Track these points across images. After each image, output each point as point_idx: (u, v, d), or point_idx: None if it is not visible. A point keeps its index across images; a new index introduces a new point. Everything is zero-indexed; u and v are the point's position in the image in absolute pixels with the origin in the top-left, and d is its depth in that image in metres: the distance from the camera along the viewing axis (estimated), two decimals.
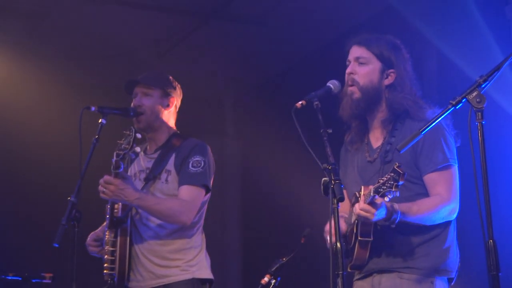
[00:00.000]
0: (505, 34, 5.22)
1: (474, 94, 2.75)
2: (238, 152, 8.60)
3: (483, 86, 2.75)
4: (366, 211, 3.12)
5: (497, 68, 2.76)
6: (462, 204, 3.40)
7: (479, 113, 2.73)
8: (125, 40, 6.96)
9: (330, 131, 3.16)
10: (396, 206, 3.18)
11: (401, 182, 3.00)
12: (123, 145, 3.87)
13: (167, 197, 4.11)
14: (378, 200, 3.09)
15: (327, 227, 3.38)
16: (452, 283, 3.39)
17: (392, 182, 3.00)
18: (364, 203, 3.13)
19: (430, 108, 3.43)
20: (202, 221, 4.23)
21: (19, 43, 6.83)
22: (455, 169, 3.36)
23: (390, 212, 3.16)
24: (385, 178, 3.03)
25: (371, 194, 3.09)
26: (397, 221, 3.19)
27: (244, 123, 8.42)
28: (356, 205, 3.17)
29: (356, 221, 3.26)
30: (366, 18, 6.26)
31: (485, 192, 2.68)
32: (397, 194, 3.03)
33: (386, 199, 3.05)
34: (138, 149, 3.91)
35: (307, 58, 7.29)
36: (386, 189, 3.02)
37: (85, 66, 7.17)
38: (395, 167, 3.01)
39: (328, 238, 3.19)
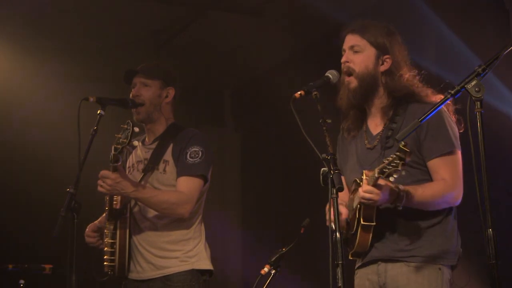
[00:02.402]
0: (504, 24, 5.22)
1: (473, 83, 2.74)
2: (237, 143, 8.60)
3: (481, 75, 2.75)
4: (370, 193, 3.12)
5: (496, 57, 2.76)
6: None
7: (478, 103, 2.73)
8: (124, 32, 6.96)
9: (329, 121, 3.16)
10: (401, 187, 3.18)
11: (407, 160, 2.97)
12: (121, 139, 3.87)
13: (164, 189, 4.12)
14: (382, 181, 3.09)
15: (327, 207, 3.38)
16: (455, 270, 3.38)
17: (398, 161, 2.97)
18: (368, 185, 3.12)
19: (427, 92, 3.42)
20: (201, 212, 4.23)
21: (17, 34, 6.81)
22: (459, 154, 3.35)
23: (396, 193, 3.16)
24: (390, 158, 3.01)
25: (375, 175, 3.07)
26: (403, 202, 3.18)
27: (243, 114, 8.42)
28: (360, 189, 3.16)
29: (359, 206, 3.25)
30: (363, 8, 6.25)
31: (484, 181, 2.68)
32: (403, 173, 3.01)
33: (392, 179, 3.03)
34: (136, 142, 3.92)
35: (305, 48, 7.28)
36: (391, 169, 3.00)
37: (84, 57, 7.16)
38: (401, 146, 2.97)
39: (327, 217, 3.20)
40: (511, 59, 2.91)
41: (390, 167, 3.00)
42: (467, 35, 5.32)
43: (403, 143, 2.98)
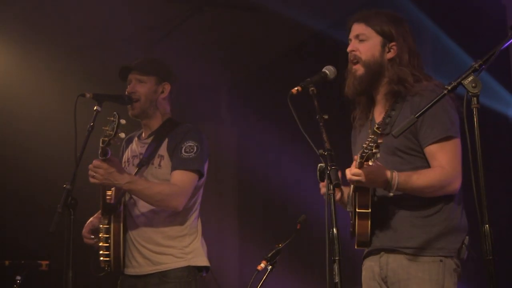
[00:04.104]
0: (500, 19, 5.22)
1: (470, 79, 2.75)
2: (233, 138, 8.60)
3: (478, 71, 2.76)
4: (357, 175, 3.12)
5: (492, 53, 2.76)
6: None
7: (475, 98, 2.73)
8: (120, 28, 6.94)
9: (326, 117, 3.15)
10: (395, 172, 3.17)
11: (379, 142, 2.96)
12: (107, 131, 3.84)
13: (158, 182, 4.11)
14: (365, 164, 3.07)
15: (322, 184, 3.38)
16: (463, 261, 3.33)
17: (373, 144, 2.97)
18: (355, 167, 3.13)
19: (429, 78, 3.42)
20: (197, 207, 4.23)
21: (13, 31, 6.80)
22: (457, 141, 3.31)
23: (387, 177, 3.16)
24: (367, 142, 3.01)
25: (358, 160, 3.08)
26: (394, 187, 3.18)
27: (240, 109, 8.42)
28: (347, 171, 3.16)
29: (353, 193, 3.26)
30: (361, 4, 6.24)
31: (480, 177, 2.68)
32: (378, 155, 3.00)
33: (371, 162, 3.03)
34: (123, 135, 3.87)
35: (302, 43, 7.28)
36: (368, 152, 2.99)
37: (80, 53, 7.15)
38: (374, 128, 2.98)
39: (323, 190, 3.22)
40: (508, 58, 2.91)
41: (367, 151, 3.00)
42: (463, 33, 5.32)
43: (376, 125, 2.99)
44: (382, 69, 3.44)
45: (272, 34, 7.10)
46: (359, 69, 3.44)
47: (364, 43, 3.45)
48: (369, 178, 3.13)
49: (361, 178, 3.12)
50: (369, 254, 3.43)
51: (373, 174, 3.14)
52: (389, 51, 3.44)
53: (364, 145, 3.02)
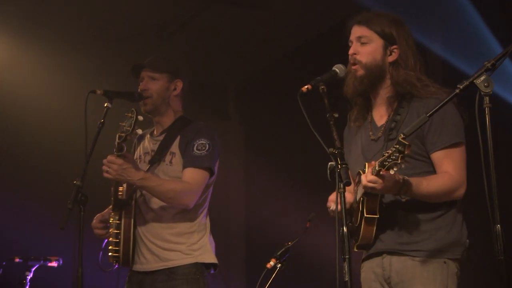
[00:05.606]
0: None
1: (482, 78, 2.74)
2: (241, 136, 8.60)
3: (490, 70, 2.75)
4: (374, 182, 3.09)
5: (505, 52, 2.76)
6: (469, 189, 3.38)
7: (487, 97, 2.73)
8: (129, 24, 6.95)
9: (336, 115, 3.14)
10: (407, 178, 3.16)
11: (406, 153, 2.94)
12: (125, 127, 3.86)
13: (171, 179, 4.11)
14: (384, 172, 3.04)
15: (331, 197, 3.39)
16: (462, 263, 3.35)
17: (398, 154, 2.95)
18: (372, 174, 3.09)
19: (434, 84, 3.40)
20: (206, 205, 4.24)
21: (22, 27, 6.81)
22: (463, 147, 3.32)
23: (400, 184, 3.14)
24: (390, 151, 2.98)
25: (376, 168, 3.05)
26: (407, 194, 3.17)
27: (248, 107, 8.42)
28: (363, 177, 3.14)
29: (362, 198, 3.24)
30: (369, 2, 6.23)
31: (492, 177, 2.68)
32: (402, 166, 2.98)
33: (392, 172, 3.00)
34: (140, 131, 3.88)
35: (311, 41, 7.27)
36: (391, 162, 2.97)
37: (90, 50, 7.16)
38: (400, 138, 2.95)
39: (332, 206, 3.24)
40: None
41: (390, 160, 2.97)
42: (472, 31, 5.30)
43: (402, 135, 2.96)
44: (383, 73, 3.43)
45: (281, 31, 7.10)
46: (359, 70, 3.42)
47: (366, 46, 3.43)
48: (385, 186, 3.11)
49: (377, 185, 3.10)
50: (370, 256, 3.43)
51: (389, 182, 3.11)
52: (391, 54, 3.42)
53: (386, 154, 3.00)
